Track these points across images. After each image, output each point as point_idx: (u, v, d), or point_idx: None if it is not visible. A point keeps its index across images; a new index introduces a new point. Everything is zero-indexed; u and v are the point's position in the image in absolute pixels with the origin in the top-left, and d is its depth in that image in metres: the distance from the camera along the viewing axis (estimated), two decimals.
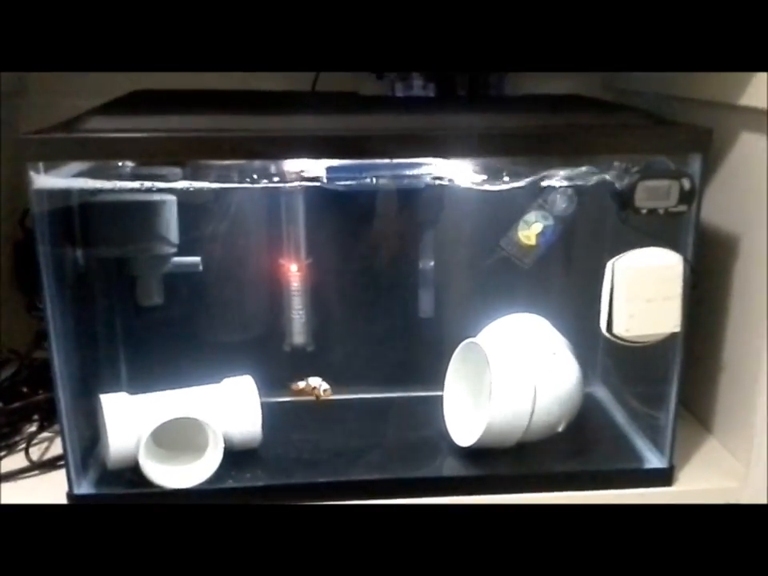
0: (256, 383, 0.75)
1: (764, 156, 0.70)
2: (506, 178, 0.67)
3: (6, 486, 0.73)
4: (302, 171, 0.69)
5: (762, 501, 0.73)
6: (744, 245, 0.75)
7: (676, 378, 0.72)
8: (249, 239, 0.82)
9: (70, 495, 0.70)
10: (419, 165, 0.70)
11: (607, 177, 0.67)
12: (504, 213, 0.75)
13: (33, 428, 0.82)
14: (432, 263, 0.83)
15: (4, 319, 0.93)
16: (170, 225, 0.75)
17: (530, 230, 0.68)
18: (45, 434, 0.82)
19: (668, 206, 0.65)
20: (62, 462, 0.71)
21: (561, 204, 0.68)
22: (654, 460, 0.75)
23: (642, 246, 0.68)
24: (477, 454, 0.74)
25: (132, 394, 0.73)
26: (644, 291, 0.67)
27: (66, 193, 0.70)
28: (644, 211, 0.66)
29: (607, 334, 0.69)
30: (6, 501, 0.71)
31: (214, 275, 0.80)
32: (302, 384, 0.81)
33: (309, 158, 0.67)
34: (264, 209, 0.81)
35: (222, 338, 0.84)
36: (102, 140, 0.62)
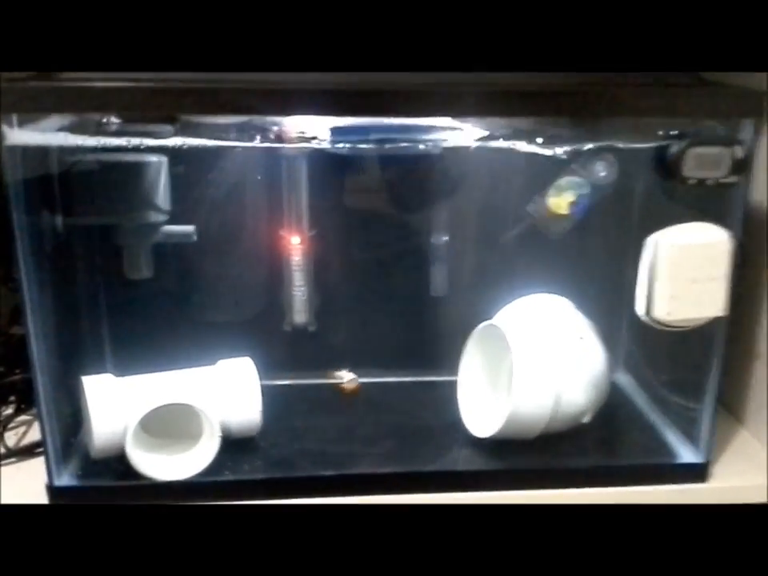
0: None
1: None
2: (539, 140, 0.60)
3: None
4: (305, 132, 0.62)
5: None
6: None
7: (716, 367, 0.66)
8: (247, 208, 0.76)
9: (49, 487, 0.64)
10: (435, 126, 0.64)
11: (649, 143, 0.61)
12: (528, 182, 0.69)
13: (9, 411, 0.77)
14: (446, 237, 0.78)
15: None
16: (161, 189, 0.69)
17: (562, 197, 0.61)
18: (22, 418, 0.76)
19: (718, 176, 0.59)
20: (41, 450, 0.65)
21: (599, 171, 0.61)
22: (687, 454, 0.70)
23: (682, 222, 0.62)
24: (495, 445, 0.69)
25: (118, 376, 0.67)
26: (688, 271, 0.61)
27: (43, 150, 0.64)
28: (692, 182, 0.59)
29: (645, 318, 0.63)
30: None
31: (209, 247, 0.74)
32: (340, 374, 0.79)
33: (312, 114, 0.61)
34: (263, 174, 0.75)
35: (217, 316, 0.78)
36: (84, 90, 0.56)
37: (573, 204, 0.61)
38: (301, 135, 0.62)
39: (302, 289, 0.77)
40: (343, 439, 0.71)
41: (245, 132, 0.62)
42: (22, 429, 0.74)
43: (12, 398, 0.78)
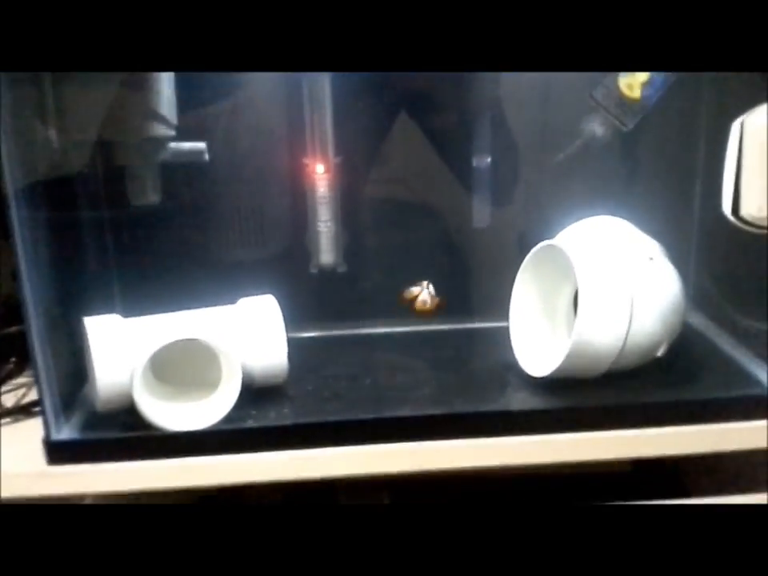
0: None
1: None
2: None
3: None
4: None
5: None
6: None
7: None
8: (265, 132, 0.70)
9: (46, 442, 0.56)
10: None
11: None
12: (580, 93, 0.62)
13: (9, 368, 0.71)
14: (489, 159, 0.71)
15: None
16: (168, 99, 0.62)
17: (634, 77, 0.53)
18: (22, 380, 0.70)
19: None
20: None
21: None
22: None
23: None
24: (554, 385, 0.60)
25: (126, 317, 0.60)
26: None
27: None
28: None
29: (732, 218, 0.55)
30: None
31: (224, 167, 0.68)
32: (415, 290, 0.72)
33: None
34: (284, 94, 0.68)
35: (235, 254, 0.71)
36: None
37: (646, 85, 0.53)
38: None
39: (329, 224, 0.70)
40: (380, 385, 0.64)
41: None
42: (23, 391, 0.67)
43: (12, 358, 0.71)
